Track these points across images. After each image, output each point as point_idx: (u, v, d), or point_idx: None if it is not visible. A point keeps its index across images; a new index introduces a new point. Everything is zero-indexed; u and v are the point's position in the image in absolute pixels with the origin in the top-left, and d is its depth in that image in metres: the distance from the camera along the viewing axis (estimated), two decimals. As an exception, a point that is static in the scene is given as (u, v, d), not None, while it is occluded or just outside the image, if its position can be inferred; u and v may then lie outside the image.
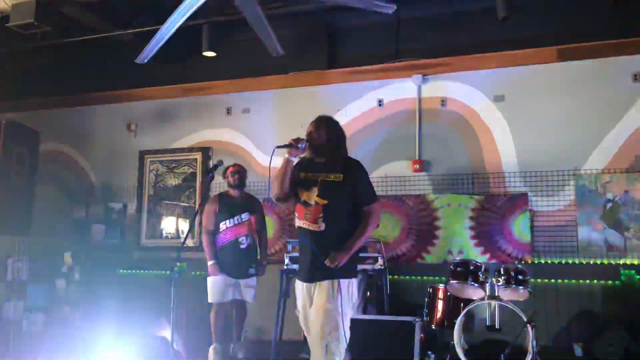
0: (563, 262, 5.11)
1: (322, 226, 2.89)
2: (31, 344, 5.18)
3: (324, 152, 3.02)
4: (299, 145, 2.93)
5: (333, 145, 3.03)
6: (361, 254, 4.77)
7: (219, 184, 5.85)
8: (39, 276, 5.82)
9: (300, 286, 3.02)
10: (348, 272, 2.92)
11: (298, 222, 3.01)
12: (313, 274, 2.91)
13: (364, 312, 4.68)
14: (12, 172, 5.03)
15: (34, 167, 5.35)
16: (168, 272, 6.02)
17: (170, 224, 6.48)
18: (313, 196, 2.93)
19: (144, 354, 4.65)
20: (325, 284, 2.84)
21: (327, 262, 2.83)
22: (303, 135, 3.05)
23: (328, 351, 2.75)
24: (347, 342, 2.83)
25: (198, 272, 5.66)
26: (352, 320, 2.93)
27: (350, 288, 2.91)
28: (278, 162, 3.04)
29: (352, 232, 2.95)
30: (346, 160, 3.07)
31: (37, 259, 5.76)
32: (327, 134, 3.02)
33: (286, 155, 2.95)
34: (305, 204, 2.95)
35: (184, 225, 6.39)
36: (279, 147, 2.95)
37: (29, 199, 5.27)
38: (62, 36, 6.01)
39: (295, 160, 2.99)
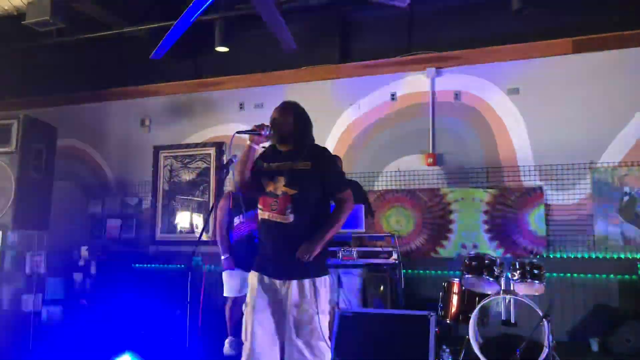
0: (579, 256, 5.07)
1: (291, 217, 2.69)
2: (50, 336, 5.27)
3: (291, 139, 2.82)
4: (262, 132, 2.72)
5: (300, 133, 2.82)
6: (375, 249, 4.80)
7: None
8: (56, 270, 5.91)
9: (258, 279, 2.77)
10: (322, 269, 2.77)
11: (262, 215, 2.79)
12: (284, 271, 2.72)
13: (370, 307, 4.66)
14: (31, 168, 5.08)
15: (51, 162, 5.40)
16: (183, 266, 6.10)
17: (184, 219, 6.53)
18: (280, 186, 2.74)
19: (160, 347, 4.70)
20: (301, 283, 2.67)
21: (298, 254, 2.63)
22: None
23: (312, 352, 2.64)
24: (325, 340, 2.69)
25: (213, 266, 5.70)
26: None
27: (325, 285, 2.75)
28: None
29: (322, 223, 2.74)
30: (313, 148, 2.86)
31: (55, 253, 5.84)
32: (293, 120, 2.82)
33: (248, 142, 2.74)
34: (271, 194, 2.76)
35: (199, 220, 6.44)
36: (239, 132, 2.73)
37: (47, 195, 5.32)
38: (77, 33, 6.07)
39: (258, 148, 2.80)
